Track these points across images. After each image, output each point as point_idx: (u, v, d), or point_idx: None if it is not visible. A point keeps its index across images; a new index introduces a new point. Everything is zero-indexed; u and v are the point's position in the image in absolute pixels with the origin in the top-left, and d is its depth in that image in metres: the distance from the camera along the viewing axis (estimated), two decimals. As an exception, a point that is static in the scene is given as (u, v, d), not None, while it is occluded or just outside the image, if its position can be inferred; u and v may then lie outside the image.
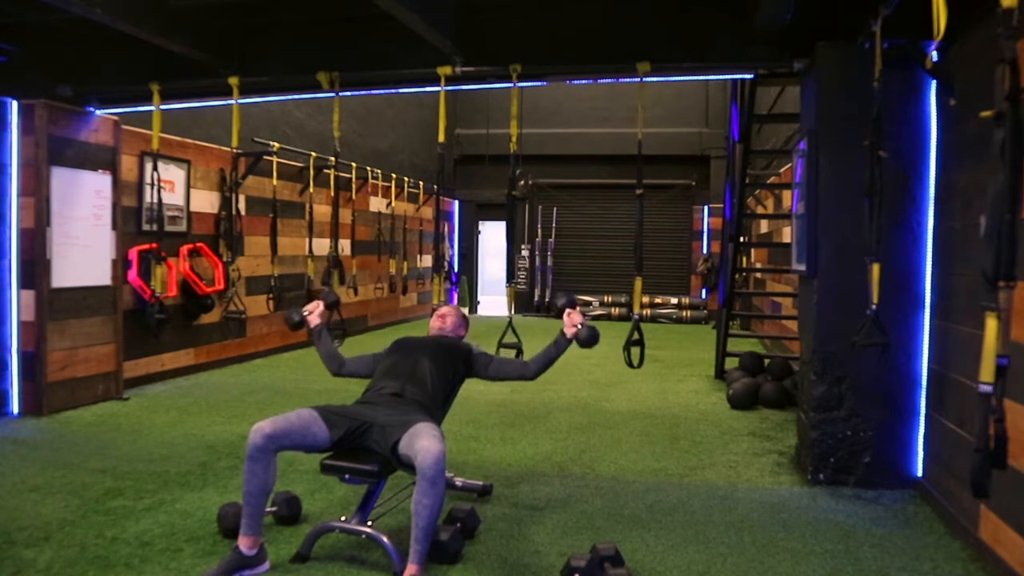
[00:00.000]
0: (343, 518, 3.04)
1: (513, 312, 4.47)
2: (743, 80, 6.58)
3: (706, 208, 13.24)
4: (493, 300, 15.57)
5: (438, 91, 4.66)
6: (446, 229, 13.34)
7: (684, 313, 12.80)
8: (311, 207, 8.26)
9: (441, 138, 4.60)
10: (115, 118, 5.83)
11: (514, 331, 4.24)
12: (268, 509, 3.23)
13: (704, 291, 13.20)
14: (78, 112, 5.53)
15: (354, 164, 9.71)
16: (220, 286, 6.98)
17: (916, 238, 3.89)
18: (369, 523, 3.00)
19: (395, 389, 3.17)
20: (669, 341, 10.09)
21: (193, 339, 7.04)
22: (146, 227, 6.31)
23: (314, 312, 3.57)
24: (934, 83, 3.84)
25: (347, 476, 2.93)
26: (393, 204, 10.87)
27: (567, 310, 3.33)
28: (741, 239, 7.04)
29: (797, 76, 4.43)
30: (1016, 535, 2.73)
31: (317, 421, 2.90)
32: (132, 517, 3.38)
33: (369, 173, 10.12)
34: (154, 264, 5.23)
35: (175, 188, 6.74)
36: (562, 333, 3.31)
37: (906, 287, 3.90)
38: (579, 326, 3.26)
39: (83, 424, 5.10)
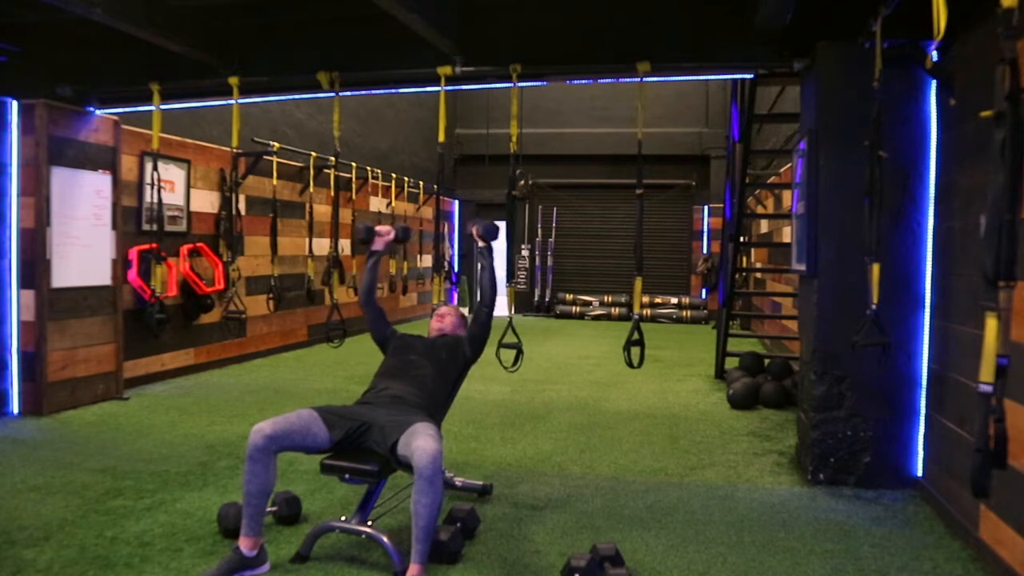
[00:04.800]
0: (343, 518, 3.04)
1: (513, 312, 4.46)
2: (743, 80, 6.58)
3: (706, 208, 13.24)
4: (493, 300, 15.55)
5: (438, 91, 4.66)
6: (446, 229, 13.34)
7: (684, 313, 12.79)
8: (311, 207, 8.26)
9: (441, 138, 4.60)
10: (115, 118, 5.83)
11: (514, 331, 4.23)
12: (268, 509, 3.23)
13: (704, 291, 13.19)
14: (78, 112, 5.54)
15: (354, 164, 9.71)
16: (220, 286, 6.98)
17: (916, 238, 3.89)
18: (369, 523, 3.00)
19: (395, 390, 3.17)
20: (669, 341, 10.09)
21: (193, 339, 7.04)
22: (146, 227, 6.31)
23: (384, 236, 3.62)
24: (934, 83, 3.84)
25: (347, 476, 2.93)
26: (393, 204, 10.87)
27: (471, 229, 3.59)
28: (741, 239, 7.04)
29: (797, 76, 4.43)
30: (1016, 535, 2.73)
31: (317, 422, 2.91)
32: (132, 517, 3.38)
33: (369, 173, 10.12)
34: (154, 264, 5.22)
35: (175, 188, 6.74)
36: (475, 247, 3.57)
37: (906, 287, 3.90)
38: (478, 230, 3.53)
39: (83, 424, 5.10)
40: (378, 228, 3.62)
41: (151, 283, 5.35)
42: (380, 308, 3.63)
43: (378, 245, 3.61)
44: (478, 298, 3.50)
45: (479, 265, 3.52)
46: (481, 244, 3.56)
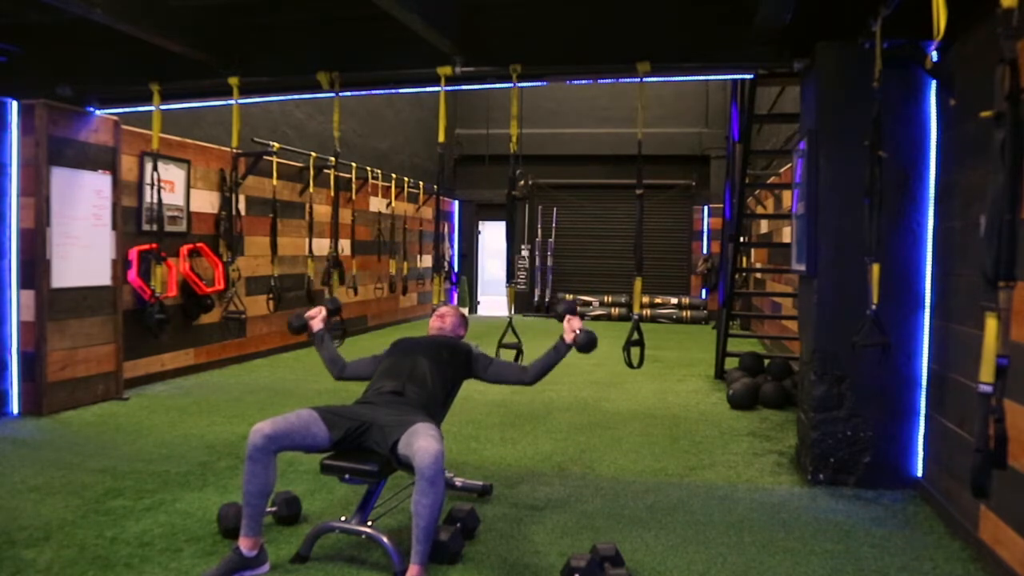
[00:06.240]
0: (343, 518, 3.04)
1: (513, 312, 4.46)
2: (743, 80, 6.58)
3: (706, 208, 13.24)
4: (493, 300, 15.57)
5: (438, 91, 4.66)
6: (446, 229, 13.34)
7: (684, 313, 12.79)
8: (311, 207, 8.26)
9: (441, 138, 4.60)
10: (115, 118, 5.83)
11: (514, 331, 4.23)
12: (268, 509, 3.23)
13: (704, 291, 13.19)
14: (78, 112, 5.53)
15: (354, 164, 9.71)
16: (220, 286, 6.98)
17: (916, 238, 3.89)
18: (369, 523, 3.00)
19: (395, 389, 3.17)
20: (669, 341, 10.09)
21: (193, 339, 7.04)
22: (146, 227, 6.31)
23: (316, 317, 3.64)
24: (934, 83, 3.84)
25: (347, 476, 2.93)
26: (393, 204, 10.87)
27: (567, 316, 3.35)
28: (741, 239, 7.04)
29: (797, 76, 4.43)
30: (1016, 535, 2.73)
31: (317, 422, 2.91)
32: (132, 517, 3.38)
33: (369, 173, 10.12)
34: (154, 264, 5.22)
35: (175, 188, 6.74)
36: (562, 339, 3.33)
37: (906, 287, 3.90)
38: (578, 331, 3.28)
39: (83, 424, 5.10)
40: (308, 314, 3.64)
41: (151, 283, 5.35)
42: (355, 365, 3.58)
43: (317, 326, 3.63)
44: (530, 368, 3.41)
45: (554, 353, 3.34)
46: (568, 343, 3.32)
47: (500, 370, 3.49)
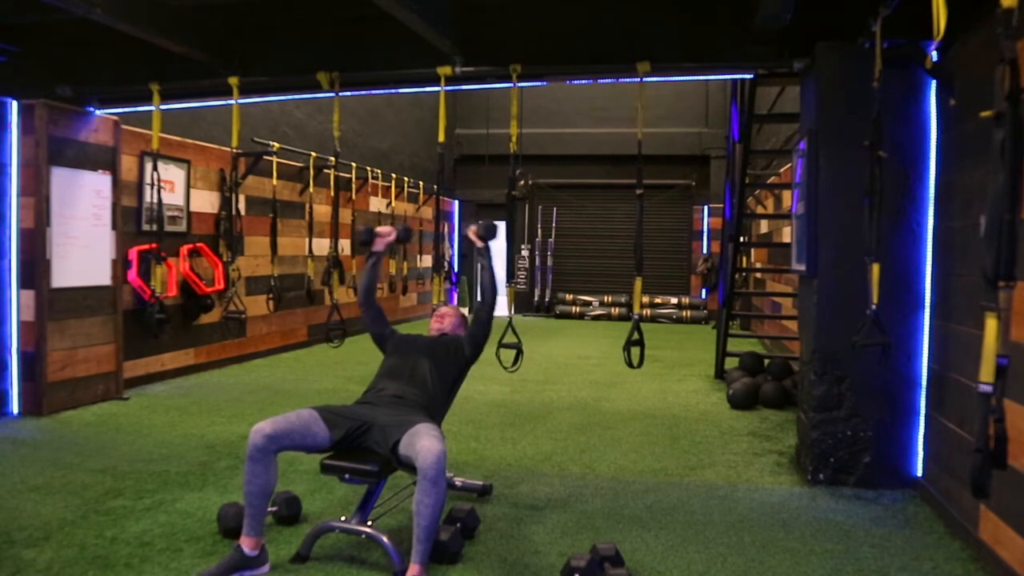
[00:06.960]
0: (343, 518, 3.05)
1: (513, 312, 4.47)
2: (743, 80, 6.58)
3: (706, 208, 13.24)
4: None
5: (438, 91, 4.66)
6: (446, 229, 13.33)
7: (684, 313, 12.79)
8: (311, 207, 8.26)
9: (441, 138, 4.60)
10: (115, 118, 5.83)
11: (514, 331, 4.23)
12: (268, 509, 3.23)
13: (704, 291, 13.19)
14: (78, 112, 5.53)
15: (354, 164, 9.71)
16: (220, 286, 6.98)
17: (916, 238, 3.89)
18: (369, 523, 3.00)
19: (395, 390, 3.18)
20: (669, 341, 10.09)
21: (193, 339, 7.04)
22: (146, 227, 6.31)
23: (386, 237, 3.63)
24: (934, 83, 3.84)
25: (347, 476, 2.93)
26: (393, 204, 10.87)
27: (468, 229, 3.63)
28: (741, 239, 7.04)
29: (797, 76, 4.43)
30: (1016, 535, 2.73)
31: (317, 421, 2.91)
32: (132, 517, 3.38)
33: (369, 173, 10.12)
34: (154, 264, 5.22)
35: (175, 188, 6.74)
36: (474, 247, 3.60)
37: (906, 287, 3.90)
38: (478, 231, 3.57)
39: (83, 424, 5.10)
40: (379, 229, 3.63)
41: (151, 283, 5.35)
42: (379, 308, 3.64)
43: (379, 246, 3.61)
44: (479, 298, 3.52)
45: (479, 266, 3.56)
46: (480, 245, 3.58)
47: (474, 327, 3.47)
